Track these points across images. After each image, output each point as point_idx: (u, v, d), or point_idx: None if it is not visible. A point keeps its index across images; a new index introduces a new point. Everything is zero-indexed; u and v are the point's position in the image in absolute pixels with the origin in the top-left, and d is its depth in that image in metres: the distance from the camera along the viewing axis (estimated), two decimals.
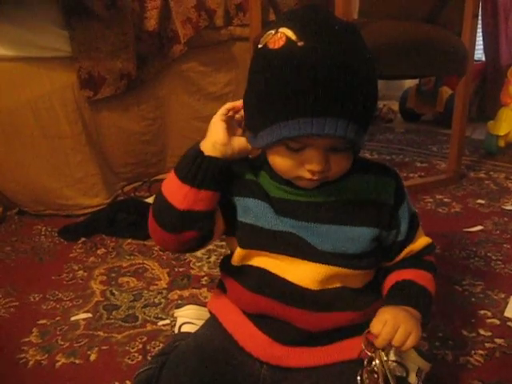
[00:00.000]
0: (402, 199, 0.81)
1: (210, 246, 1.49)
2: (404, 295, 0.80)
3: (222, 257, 0.89)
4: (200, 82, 2.20)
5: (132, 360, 1.03)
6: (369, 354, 0.73)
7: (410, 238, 0.83)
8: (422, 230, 0.87)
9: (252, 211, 0.79)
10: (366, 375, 0.73)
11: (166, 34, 2.03)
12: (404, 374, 0.84)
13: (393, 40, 1.77)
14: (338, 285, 0.78)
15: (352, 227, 0.78)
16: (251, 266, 0.80)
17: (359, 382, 0.72)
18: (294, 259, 0.77)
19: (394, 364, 0.85)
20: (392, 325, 0.70)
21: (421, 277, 0.83)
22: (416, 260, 0.85)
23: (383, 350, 0.72)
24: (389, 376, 0.72)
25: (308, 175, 0.72)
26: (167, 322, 1.15)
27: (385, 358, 0.72)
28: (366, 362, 0.73)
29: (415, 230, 0.84)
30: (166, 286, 1.31)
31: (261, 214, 0.78)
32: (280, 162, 0.74)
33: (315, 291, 0.77)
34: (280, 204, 0.78)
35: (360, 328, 0.79)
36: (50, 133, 1.75)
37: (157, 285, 1.33)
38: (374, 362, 0.72)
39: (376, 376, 0.72)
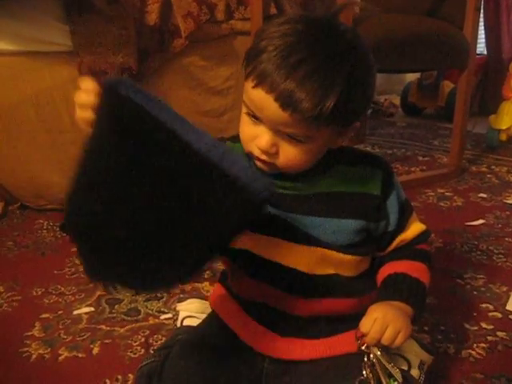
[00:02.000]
0: (391, 189, 0.81)
1: None
2: (396, 290, 0.79)
3: None
4: (201, 77, 2.20)
5: (134, 353, 1.03)
6: (363, 349, 0.74)
7: (401, 226, 0.83)
8: (416, 218, 0.86)
9: None
10: (368, 370, 0.73)
11: (167, 28, 2.02)
12: (406, 368, 0.85)
13: (394, 34, 1.77)
14: (331, 271, 0.79)
15: (338, 219, 0.78)
16: (247, 252, 0.80)
17: (365, 375, 0.73)
18: (285, 242, 0.78)
19: (396, 357, 0.85)
20: (381, 323, 0.71)
21: (414, 268, 0.82)
22: (409, 250, 0.84)
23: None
24: (389, 369, 0.72)
25: (256, 151, 0.73)
26: (169, 315, 1.16)
27: (378, 353, 0.73)
28: (365, 358, 0.74)
29: (406, 218, 0.84)
30: None
31: None
32: (241, 129, 0.76)
33: (308, 275, 0.78)
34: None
35: (359, 320, 0.79)
36: (51, 127, 1.75)
37: None
38: (371, 356, 0.73)
39: (375, 370, 0.73)
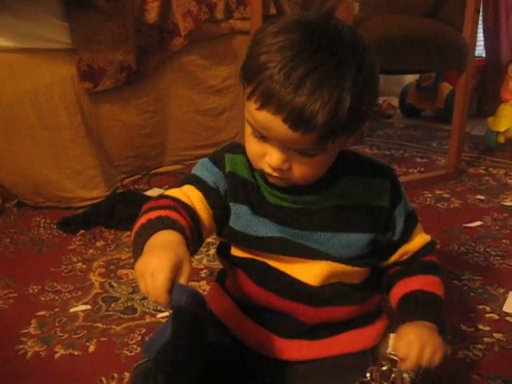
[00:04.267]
0: (399, 199, 0.80)
1: (209, 239, 1.49)
2: (419, 310, 0.78)
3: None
4: (200, 76, 2.20)
5: (131, 352, 1.03)
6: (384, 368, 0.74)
7: (406, 237, 0.82)
8: (421, 229, 0.85)
9: (242, 219, 0.78)
10: (374, 374, 0.73)
11: (166, 26, 2.02)
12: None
13: (394, 35, 1.77)
14: (335, 281, 0.79)
15: (347, 234, 0.77)
16: (253, 260, 0.80)
17: (368, 378, 0.73)
18: (293, 258, 0.77)
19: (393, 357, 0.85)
20: (419, 347, 0.70)
21: (428, 283, 0.81)
22: (419, 264, 0.83)
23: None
24: None
25: (268, 169, 0.71)
26: (166, 314, 1.15)
27: (405, 375, 0.73)
28: (371, 361, 0.73)
29: (411, 229, 0.83)
30: None
31: (251, 222, 0.77)
32: (248, 146, 0.73)
33: (316, 287, 0.77)
34: (274, 211, 0.77)
35: (357, 321, 0.79)
36: (49, 125, 1.75)
37: None
38: (392, 375, 0.73)
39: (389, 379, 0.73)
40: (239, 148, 0.80)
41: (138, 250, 0.66)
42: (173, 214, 0.70)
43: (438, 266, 0.84)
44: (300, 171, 0.70)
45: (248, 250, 0.80)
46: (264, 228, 0.77)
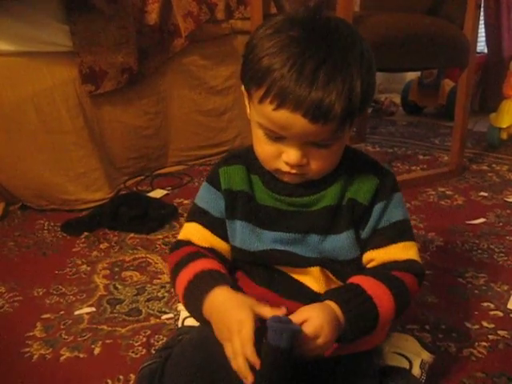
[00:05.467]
0: (381, 199, 0.77)
1: None
2: (343, 297, 0.72)
3: None
4: (201, 76, 2.20)
5: (136, 354, 1.03)
6: None
7: (376, 242, 0.78)
8: (412, 248, 0.79)
9: (238, 235, 0.81)
10: None
11: (167, 27, 2.02)
12: (408, 367, 0.85)
13: (394, 32, 1.77)
14: (336, 285, 0.80)
15: (337, 235, 0.77)
16: (256, 264, 0.82)
17: None
18: (287, 267, 0.80)
19: (398, 356, 0.85)
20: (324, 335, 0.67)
21: (374, 288, 0.73)
22: (382, 271, 0.77)
23: None
24: None
25: (285, 168, 0.72)
26: (171, 315, 1.15)
27: None
28: None
29: (388, 238, 0.78)
30: (169, 280, 1.31)
31: (245, 238, 0.80)
32: (260, 149, 0.74)
33: (320, 294, 0.78)
34: (270, 214, 0.79)
35: None
36: (51, 128, 1.75)
37: (160, 279, 1.33)
38: None
39: None
40: (235, 158, 0.83)
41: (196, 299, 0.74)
42: (215, 265, 0.78)
43: (402, 285, 0.75)
44: (317, 164, 0.72)
45: (246, 263, 0.83)
46: (256, 242, 0.79)
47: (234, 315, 0.67)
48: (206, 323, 0.73)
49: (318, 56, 0.65)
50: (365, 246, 0.79)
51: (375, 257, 0.78)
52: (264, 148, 0.73)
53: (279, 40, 0.66)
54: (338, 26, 0.69)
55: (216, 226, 0.83)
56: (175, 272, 0.80)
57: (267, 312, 0.67)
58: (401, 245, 0.78)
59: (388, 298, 0.73)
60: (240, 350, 0.64)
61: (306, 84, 0.64)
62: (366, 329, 0.72)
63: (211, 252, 0.83)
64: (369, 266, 0.79)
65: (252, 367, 0.64)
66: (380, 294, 0.73)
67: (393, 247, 0.78)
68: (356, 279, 0.75)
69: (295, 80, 0.64)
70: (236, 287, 0.76)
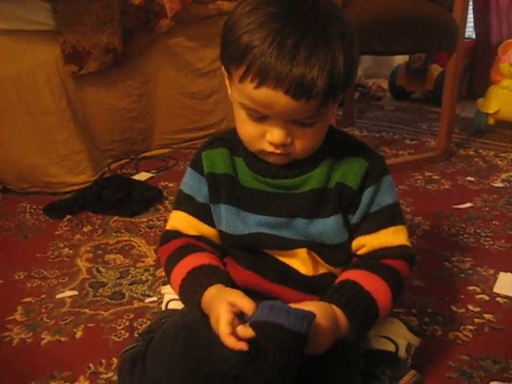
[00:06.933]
0: (371, 184, 0.76)
1: None
2: (343, 298, 0.72)
3: None
4: (187, 58, 2.16)
5: (119, 337, 1.02)
6: None
7: (367, 227, 0.77)
8: (402, 233, 0.79)
9: (223, 219, 0.80)
10: None
11: (152, 7, 1.98)
12: (394, 350, 0.84)
13: (383, 15, 1.75)
14: (324, 271, 0.80)
15: (323, 219, 0.77)
16: (242, 248, 0.81)
17: None
18: (274, 250, 0.79)
19: (384, 340, 0.84)
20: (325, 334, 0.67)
21: (371, 283, 0.73)
22: (375, 262, 0.76)
23: None
24: None
25: (269, 148, 0.71)
26: (154, 299, 1.14)
27: None
28: None
29: (380, 223, 0.77)
30: (152, 263, 1.30)
31: (230, 221, 0.80)
32: (243, 130, 0.73)
33: (308, 277, 0.78)
34: (254, 197, 0.78)
35: None
36: (33, 109, 1.71)
37: (144, 262, 1.31)
38: None
39: None
40: (218, 141, 0.82)
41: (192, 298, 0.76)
42: (205, 259, 0.79)
43: (396, 274, 0.75)
44: (302, 143, 0.71)
45: (233, 248, 0.83)
46: (242, 225, 0.79)
47: (213, 312, 0.68)
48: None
49: (298, 31, 0.63)
50: (355, 231, 0.78)
51: (366, 242, 0.78)
52: (247, 129, 0.72)
53: (258, 17, 0.65)
54: (317, 2, 0.67)
55: (202, 213, 0.82)
56: (168, 268, 0.81)
57: (245, 305, 0.65)
58: (391, 229, 0.78)
59: (385, 290, 0.73)
60: (226, 342, 0.63)
61: (286, 60, 0.62)
62: (367, 325, 0.73)
63: (201, 240, 0.82)
64: (360, 252, 0.79)
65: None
66: (377, 288, 0.73)
67: (383, 232, 0.77)
68: (352, 275, 0.75)
69: (275, 56, 0.62)
70: (227, 278, 0.76)
